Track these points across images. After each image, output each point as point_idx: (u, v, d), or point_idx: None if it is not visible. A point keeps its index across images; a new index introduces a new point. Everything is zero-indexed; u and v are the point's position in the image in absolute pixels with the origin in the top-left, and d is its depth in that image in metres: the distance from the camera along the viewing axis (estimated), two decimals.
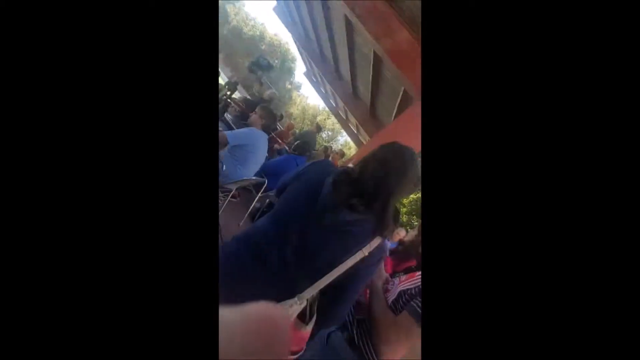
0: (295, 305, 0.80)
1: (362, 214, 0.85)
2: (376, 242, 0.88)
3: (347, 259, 0.85)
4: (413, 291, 1.09)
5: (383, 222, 0.88)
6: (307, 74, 11.33)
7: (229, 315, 0.13)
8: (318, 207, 0.85)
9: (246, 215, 3.10)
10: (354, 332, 1.14)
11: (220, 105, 2.13)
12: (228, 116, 3.71)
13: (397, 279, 1.26)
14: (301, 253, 0.85)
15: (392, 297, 1.15)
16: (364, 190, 0.86)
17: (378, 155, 0.91)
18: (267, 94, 5.08)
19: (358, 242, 0.87)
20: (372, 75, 4.48)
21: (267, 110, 2.55)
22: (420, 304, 1.02)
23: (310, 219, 0.85)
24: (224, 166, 2.29)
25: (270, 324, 0.13)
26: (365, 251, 0.86)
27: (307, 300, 0.83)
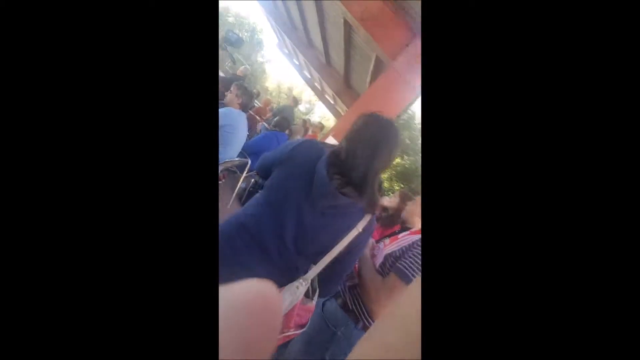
0: (302, 287, 0.86)
1: (354, 199, 0.89)
2: (367, 217, 0.94)
3: (343, 237, 0.90)
4: (397, 253, 1.17)
5: (372, 201, 0.92)
6: (279, 46, 10.93)
7: (221, 293, 0.13)
8: (313, 193, 0.86)
9: (233, 196, 3.12)
10: (347, 297, 1.22)
11: None
12: None
13: (382, 243, 1.33)
14: (300, 239, 0.88)
15: (379, 261, 1.23)
16: (354, 175, 0.88)
17: (364, 137, 0.91)
18: (240, 70, 4.93)
19: (352, 221, 0.92)
20: (344, 43, 4.41)
21: (242, 88, 2.51)
22: (404, 264, 1.10)
23: (306, 205, 0.87)
24: None
25: (264, 299, 0.13)
26: (359, 227, 0.92)
27: (310, 279, 0.88)
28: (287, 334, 0.87)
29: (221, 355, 0.11)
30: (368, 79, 4.75)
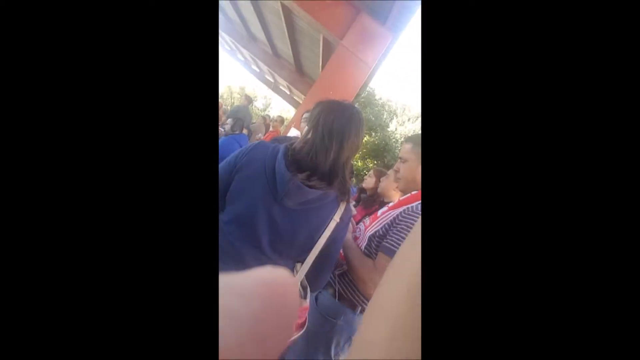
0: None
1: (324, 189, 0.85)
2: (342, 206, 0.91)
3: (323, 230, 0.87)
4: (381, 232, 1.14)
5: (344, 189, 0.89)
6: (220, 45, 10.49)
7: (229, 280, 0.11)
8: (279, 193, 0.83)
9: None
10: (338, 286, 1.20)
11: None
12: None
13: (362, 224, 1.31)
14: (278, 242, 0.84)
15: (363, 243, 1.20)
16: (320, 165, 0.85)
17: (327, 126, 0.87)
18: None
19: (328, 213, 0.88)
20: (287, 29, 4.23)
21: None
22: (391, 242, 1.07)
23: (275, 207, 0.83)
24: None
25: (280, 287, 0.12)
26: (336, 218, 0.89)
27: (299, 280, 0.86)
28: (290, 338, 0.85)
29: (226, 354, 0.10)
30: (320, 63, 4.63)
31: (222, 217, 0.87)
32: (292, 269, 0.90)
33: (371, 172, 2.83)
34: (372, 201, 2.63)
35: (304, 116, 1.79)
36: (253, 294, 0.11)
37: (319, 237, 0.87)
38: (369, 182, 2.78)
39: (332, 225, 0.88)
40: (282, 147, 0.88)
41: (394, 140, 8.21)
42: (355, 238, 1.25)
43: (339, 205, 0.90)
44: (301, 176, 0.82)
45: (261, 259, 0.84)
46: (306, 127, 0.91)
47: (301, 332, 0.92)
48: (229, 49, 10.17)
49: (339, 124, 0.86)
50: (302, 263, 0.86)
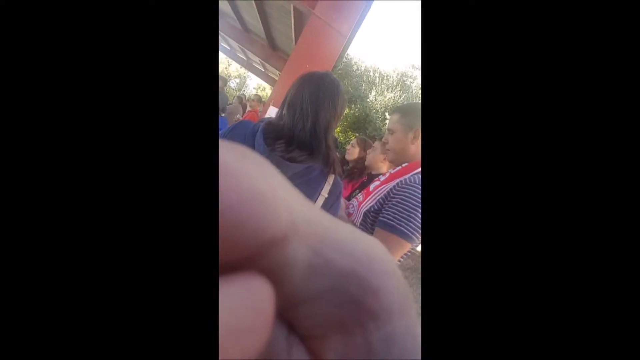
0: None
1: (306, 161, 0.83)
2: (330, 179, 0.89)
3: None
4: (376, 207, 1.14)
5: (329, 160, 0.88)
6: None
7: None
8: None
9: None
10: None
11: None
12: None
13: (355, 200, 1.30)
14: None
15: (358, 219, 1.20)
16: (299, 137, 0.83)
17: (301, 95, 0.85)
18: None
19: (314, 188, 0.87)
20: (255, 1, 4.02)
21: None
22: (387, 216, 1.06)
23: None
24: None
25: (260, 294, 0.10)
26: (324, 193, 0.88)
27: None
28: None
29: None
30: (293, 36, 4.46)
31: None
32: None
33: (353, 141, 2.81)
34: (357, 173, 2.63)
35: None
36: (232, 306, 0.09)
37: None
38: (352, 152, 2.77)
39: (320, 202, 0.87)
40: (261, 124, 0.86)
41: (374, 111, 8.16)
42: (349, 215, 1.25)
43: (326, 180, 0.88)
44: (279, 148, 0.80)
45: None
46: (282, 102, 0.90)
47: None
48: None
49: (311, 91, 0.85)
50: None
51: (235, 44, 7.99)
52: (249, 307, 0.08)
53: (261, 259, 0.09)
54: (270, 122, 0.87)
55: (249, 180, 0.09)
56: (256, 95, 5.55)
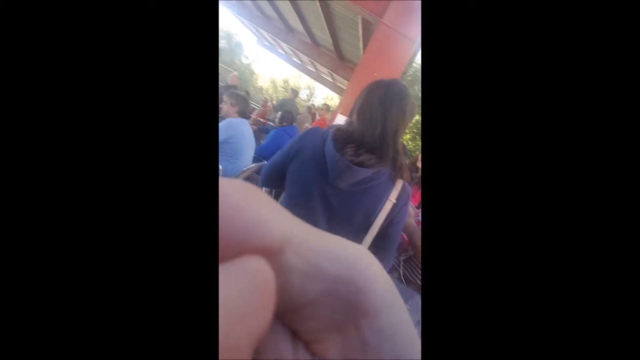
0: None
1: (374, 166, 0.83)
2: (399, 185, 0.89)
3: (379, 211, 0.86)
4: None
5: (398, 165, 0.87)
6: (259, 42, 10.74)
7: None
8: (330, 175, 0.84)
9: None
10: (403, 270, 1.19)
11: None
12: None
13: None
14: (335, 224, 0.85)
15: None
16: (368, 142, 0.83)
17: (370, 102, 0.86)
18: (231, 77, 4.84)
19: (382, 192, 0.87)
20: (324, 16, 4.18)
21: (234, 96, 2.43)
22: None
23: (328, 189, 0.85)
24: (220, 166, 2.23)
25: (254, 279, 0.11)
26: (392, 198, 0.87)
27: None
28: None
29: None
30: (360, 45, 4.52)
31: (281, 202, 0.92)
32: None
33: None
34: None
35: None
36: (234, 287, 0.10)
37: (375, 219, 0.86)
38: (421, 159, 2.68)
39: (387, 207, 0.86)
40: (330, 130, 0.89)
41: None
42: (418, 223, 1.24)
43: (394, 185, 0.88)
44: (349, 152, 0.82)
45: None
46: (351, 109, 0.91)
47: None
48: (268, 45, 10.36)
49: (379, 98, 0.85)
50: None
51: (305, 58, 8.38)
52: (250, 288, 0.09)
53: None
54: (339, 129, 0.89)
55: (248, 202, 0.10)
56: (324, 104, 5.72)
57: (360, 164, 0.82)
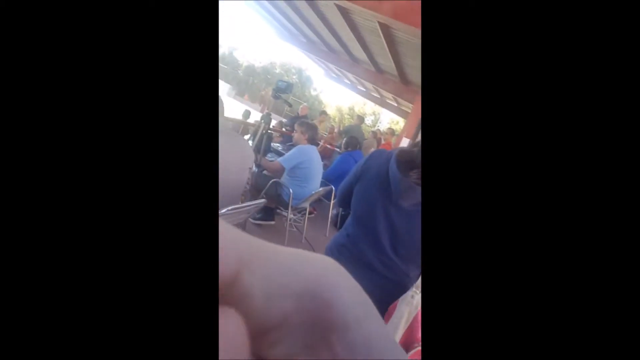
0: (417, 295, 0.84)
1: None
2: None
3: None
4: None
5: None
6: (327, 74, 11.36)
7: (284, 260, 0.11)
8: (394, 195, 0.86)
9: (328, 224, 3.21)
10: None
11: (264, 140, 2.29)
12: (275, 145, 3.92)
13: None
14: (399, 245, 0.87)
15: None
16: None
17: None
18: (302, 108, 5.25)
19: None
20: (387, 44, 4.34)
21: (304, 124, 2.65)
22: None
23: (392, 209, 0.87)
24: (291, 189, 2.43)
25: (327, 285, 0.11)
26: None
27: None
28: (418, 347, 0.83)
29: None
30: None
31: (348, 223, 0.97)
32: (419, 275, 0.89)
33: None
34: None
35: None
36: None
37: None
38: None
39: None
40: (394, 152, 0.92)
41: None
42: None
43: None
44: (413, 175, 0.83)
45: (385, 262, 0.88)
46: (415, 132, 0.95)
47: None
48: (335, 76, 10.90)
49: None
50: None
51: (370, 85, 8.58)
52: (224, 338, 0.09)
53: (225, 296, 0.10)
54: (403, 149, 0.90)
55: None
56: (389, 128, 5.76)
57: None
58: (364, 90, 10.90)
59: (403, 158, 0.88)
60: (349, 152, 3.56)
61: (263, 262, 0.11)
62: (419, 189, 0.84)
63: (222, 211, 1.37)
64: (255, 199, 2.25)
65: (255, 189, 2.38)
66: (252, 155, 1.66)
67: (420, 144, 0.89)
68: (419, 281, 0.86)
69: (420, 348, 0.82)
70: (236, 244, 0.10)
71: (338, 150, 4.87)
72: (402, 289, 0.87)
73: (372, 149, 5.56)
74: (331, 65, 8.44)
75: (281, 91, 2.28)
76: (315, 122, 5.76)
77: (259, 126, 2.61)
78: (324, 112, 6.61)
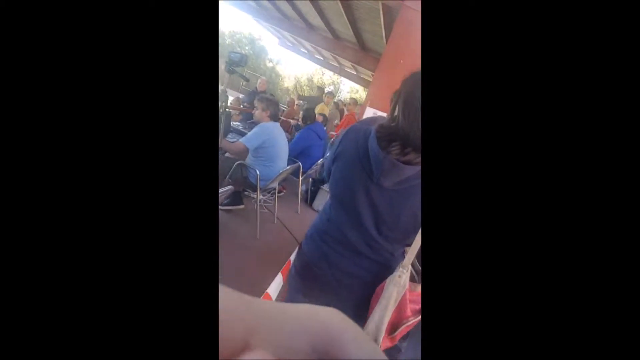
0: (404, 275, 0.82)
1: (420, 162, 0.81)
2: None
3: None
4: None
5: None
6: (282, 43, 10.86)
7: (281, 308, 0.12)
8: (374, 173, 0.82)
9: (299, 200, 3.15)
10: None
11: (222, 120, 2.11)
12: (235, 124, 3.70)
13: None
14: (382, 225, 0.84)
15: None
16: (414, 139, 0.79)
17: (415, 95, 0.81)
18: (260, 84, 4.96)
19: None
20: (343, 9, 4.14)
21: (265, 100, 2.49)
22: None
23: (373, 188, 0.83)
24: (257, 170, 2.30)
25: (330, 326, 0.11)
26: None
27: (410, 264, 0.84)
28: (407, 324, 0.85)
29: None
30: (383, 34, 4.42)
31: (327, 206, 0.92)
32: (403, 253, 0.88)
33: None
34: None
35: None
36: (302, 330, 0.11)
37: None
38: None
39: None
40: (372, 128, 0.87)
41: None
42: None
43: None
44: (394, 150, 0.80)
45: (370, 244, 0.85)
46: (392, 105, 0.88)
47: (419, 318, 0.88)
48: (290, 44, 10.45)
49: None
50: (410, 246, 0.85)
51: (327, 54, 8.34)
52: None
53: None
54: (382, 125, 0.86)
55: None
56: (352, 98, 5.67)
57: (407, 162, 0.79)
58: (322, 59, 10.61)
59: (382, 133, 0.83)
60: (308, 125, 3.44)
61: (269, 325, 0.11)
62: (402, 167, 0.80)
63: None
64: (220, 183, 2.11)
65: (219, 173, 2.23)
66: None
67: (399, 118, 0.84)
68: (406, 260, 0.84)
69: (408, 323, 0.85)
70: (241, 314, 0.11)
71: (300, 124, 4.73)
72: (388, 269, 0.85)
73: (336, 121, 5.49)
74: (285, 33, 8.04)
75: (235, 64, 2.06)
76: (322, 105, 5.45)
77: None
78: (329, 94, 6.15)
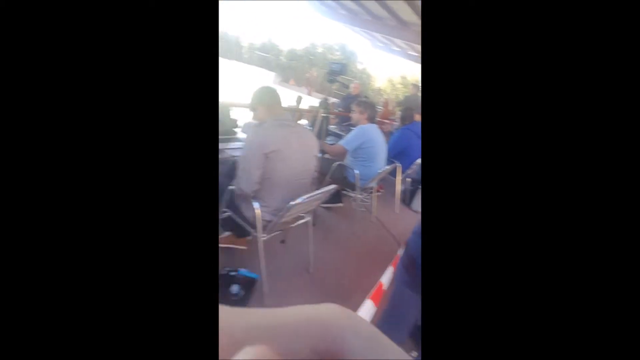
0: None
1: None
2: None
3: None
4: None
5: None
6: (373, 45, 10.86)
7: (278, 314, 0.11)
8: None
9: (396, 200, 3.15)
10: None
11: (322, 124, 2.27)
12: (331, 127, 3.91)
13: None
14: None
15: None
16: None
17: None
18: (353, 87, 5.12)
19: None
20: None
21: (362, 104, 2.59)
22: None
23: None
24: (356, 171, 2.42)
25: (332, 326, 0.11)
26: None
27: None
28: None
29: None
30: None
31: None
32: None
33: None
34: None
35: None
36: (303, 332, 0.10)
37: None
38: None
39: None
40: None
41: None
42: None
43: None
44: None
45: None
46: None
47: None
48: (382, 45, 10.37)
49: None
50: None
51: (419, 47, 7.98)
52: None
53: None
54: None
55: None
56: None
57: None
58: (416, 55, 10.20)
59: None
60: (406, 125, 3.39)
61: (264, 334, 0.10)
62: None
63: (297, 201, 1.42)
64: (321, 183, 2.29)
65: (319, 173, 2.42)
66: (317, 143, 1.67)
67: None
68: None
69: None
70: (233, 324, 0.11)
71: (395, 124, 4.68)
72: None
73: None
74: (376, 34, 8.03)
75: (336, 74, 2.22)
76: (383, 110, 5.47)
77: (317, 112, 2.60)
78: (388, 101, 6.12)
